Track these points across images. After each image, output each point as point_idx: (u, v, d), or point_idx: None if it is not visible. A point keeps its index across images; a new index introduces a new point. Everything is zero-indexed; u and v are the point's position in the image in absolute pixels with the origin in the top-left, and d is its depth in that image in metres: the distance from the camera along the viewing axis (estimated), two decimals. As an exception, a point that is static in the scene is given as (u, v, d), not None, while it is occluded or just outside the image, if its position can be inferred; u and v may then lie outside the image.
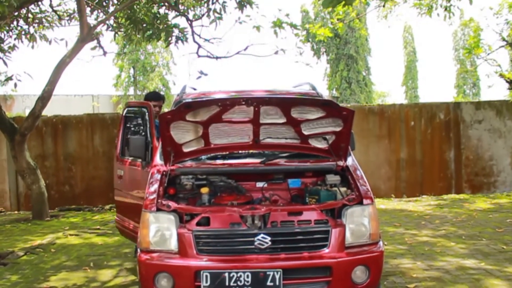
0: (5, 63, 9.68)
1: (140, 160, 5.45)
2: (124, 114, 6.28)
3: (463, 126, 12.24)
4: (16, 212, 11.71)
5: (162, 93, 6.92)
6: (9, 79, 9.94)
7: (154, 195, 4.13)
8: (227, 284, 3.74)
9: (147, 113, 5.71)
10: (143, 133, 5.77)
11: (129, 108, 6.34)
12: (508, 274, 5.53)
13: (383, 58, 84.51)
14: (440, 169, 12.22)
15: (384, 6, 12.90)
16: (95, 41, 10.45)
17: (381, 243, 4.13)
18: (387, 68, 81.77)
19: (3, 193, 11.89)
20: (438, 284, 5.27)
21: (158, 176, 4.40)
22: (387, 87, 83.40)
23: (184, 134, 4.45)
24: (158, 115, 4.96)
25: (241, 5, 9.88)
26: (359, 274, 3.92)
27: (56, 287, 5.58)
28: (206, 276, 3.74)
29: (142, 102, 6.37)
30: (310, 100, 4.64)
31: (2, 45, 9.77)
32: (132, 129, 6.27)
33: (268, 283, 3.74)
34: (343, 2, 4.25)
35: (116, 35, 11.07)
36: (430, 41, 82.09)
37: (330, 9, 12.14)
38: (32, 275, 6.09)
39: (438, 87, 73.37)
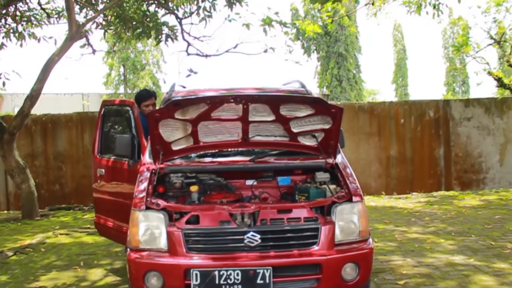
0: (-7, 62, 9.63)
1: (126, 158, 5.41)
2: (102, 113, 6.23)
3: (453, 123, 12.31)
4: (5, 211, 11.65)
5: (152, 90, 6.76)
6: (-3, 77, 9.88)
7: (143, 194, 4.12)
8: (217, 282, 3.74)
9: (130, 111, 5.68)
10: (127, 132, 5.73)
11: (108, 107, 6.29)
12: (497, 270, 5.57)
13: (373, 56, 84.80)
14: (430, 166, 12.29)
15: (373, 4, 12.94)
16: (84, 39, 10.42)
17: (370, 240, 4.14)
18: (377, 66, 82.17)
19: (-8, 193, 11.82)
20: (427, 280, 5.30)
21: (147, 175, 4.38)
22: (377, 85, 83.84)
23: (173, 132, 4.44)
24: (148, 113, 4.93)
25: (230, 3, 9.89)
26: (349, 271, 3.93)
27: (46, 287, 5.55)
28: (196, 274, 3.74)
29: (123, 100, 6.33)
30: (299, 98, 4.65)
31: (-10, 43, 9.71)
32: (113, 128, 6.23)
33: (258, 281, 3.74)
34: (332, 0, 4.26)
35: (106, 33, 11.03)
36: (420, 39, 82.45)
37: (319, 6, 12.18)
38: (22, 275, 6.06)
39: (427, 85, 73.75)
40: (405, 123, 12.26)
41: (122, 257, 6.54)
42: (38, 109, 10.83)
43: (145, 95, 6.07)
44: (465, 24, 14.12)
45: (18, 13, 10.35)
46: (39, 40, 10.64)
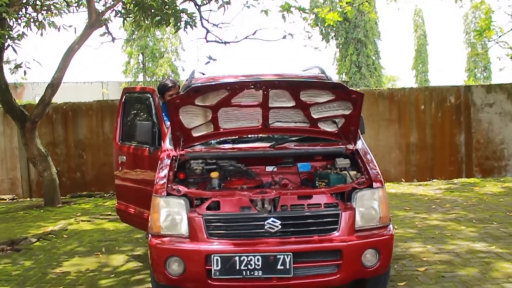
0: (14, 51, 9.70)
1: (146, 145, 5.45)
2: (123, 101, 6.26)
3: (474, 109, 12.16)
4: (28, 199, 11.83)
5: (171, 79, 6.76)
6: (18, 66, 9.97)
7: (164, 180, 4.14)
8: (237, 267, 3.76)
9: (151, 99, 5.70)
10: (147, 119, 5.76)
11: (128, 94, 6.32)
12: (519, 256, 5.52)
13: (393, 42, 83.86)
14: (451, 153, 12.17)
15: (393, -12, 12.79)
16: (104, 27, 10.45)
17: (391, 226, 4.13)
18: (397, 52, 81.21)
19: (15, 180, 12.01)
20: (448, 267, 5.27)
21: (168, 161, 4.40)
22: (397, 71, 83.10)
23: (193, 119, 4.45)
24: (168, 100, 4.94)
25: (249, -11, 9.83)
26: (369, 257, 3.92)
27: (69, 272, 5.64)
28: (217, 260, 3.76)
29: (144, 87, 6.35)
30: (319, 83, 4.62)
31: (11, 32, 9.77)
32: (133, 115, 6.26)
33: (279, 267, 3.75)
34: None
35: (125, 21, 11.05)
36: (441, 24, 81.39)
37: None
38: (45, 260, 6.16)
39: (448, 71, 72.86)
40: (425, 110, 12.14)
41: (143, 243, 6.60)
42: (58, 98, 10.93)
43: (170, 85, 6.01)
44: (488, 8, 13.87)
45: (38, 2, 10.39)
46: (59, 29, 10.69)
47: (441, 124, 12.15)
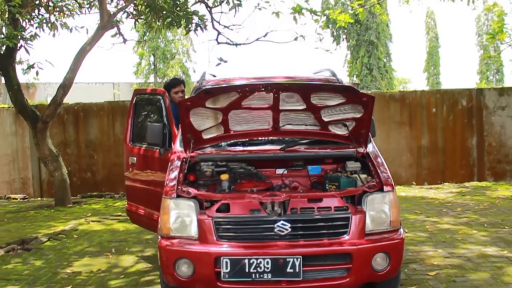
0: (27, 51, 9.78)
1: (157, 147, 5.46)
2: (133, 102, 6.28)
3: (486, 112, 12.07)
4: (39, 198, 11.89)
5: (181, 78, 6.90)
6: (30, 67, 10.03)
7: (174, 182, 4.14)
8: (247, 270, 3.75)
9: (161, 100, 5.72)
10: (158, 120, 5.78)
11: (139, 96, 6.34)
12: (531, 262, 5.47)
13: (404, 44, 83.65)
14: (462, 156, 12.09)
15: (406, -9, 12.73)
16: (115, 28, 10.50)
17: (401, 230, 4.10)
18: (409, 54, 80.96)
19: (26, 180, 12.09)
20: (459, 271, 5.23)
21: (178, 163, 4.41)
22: (408, 73, 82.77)
23: (203, 121, 4.45)
24: (178, 102, 4.95)
25: (260, -9, 9.83)
26: (380, 261, 3.90)
27: (79, 272, 5.66)
28: (226, 262, 3.76)
29: (155, 89, 6.38)
30: (330, 86, 4.61)
31: (23, 33, 9.85)
32: (144, 116, 6.29)
33: (288, 270, 3.74)
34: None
35: (136, 22, 11.10)
36: (453, 27, 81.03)
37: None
38: (56, 260, 6.19)
39: (460, 74, 72.50)
40: (437, 112, 12.08)
41: (153, 245, 6.62)
42: (70, 98, 10.99)
43: (174, 82, 6.20)
44: (501, 10, 13.77)
45: (50, 3, 10.47)
46: (71, 30, 10.75)
47: (453, 127, 12.08)
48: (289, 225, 3.84)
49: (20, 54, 10.30)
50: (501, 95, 12.11)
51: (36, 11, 10.42)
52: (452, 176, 12.03)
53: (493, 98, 12.09)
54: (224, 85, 4.83)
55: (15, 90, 9.99)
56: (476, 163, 12.11)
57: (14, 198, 11.69)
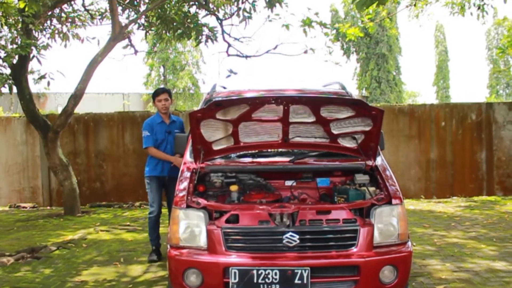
0: (39, 61, 9.89)
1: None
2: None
3: (496, 127, 12.05)
4: (48, 207, 11.95)
5: (163, 86, 7.19)
6: (42, 77, 10.14)
7: (184, 192, 4.19)
8: (255, 281, 3.77)
9: None
10: None
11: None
12: (540, 277, 5.45)
13: (414, 58, 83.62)
14: (471, 170, 12.05)
15: (415, 5, 12.79)
16: (127, 40, 10.60)
17: (409, 243, 4.12)
18: (418, 68, 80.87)
19: (36, 189, 12.16)
20: (467, 286, 5.22)
21: (188, 174, 4.46)
22: (418, 87, 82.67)
23: (214, 132, 4.50)
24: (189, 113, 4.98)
25: (270, 4, 9.92)
26: (387, 274, 3.91)
27: (87, 281, 5.69)
28: (235, 272, 3.78)
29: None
30: (340, 99, 4.64)
31: (36, 43, 9.97)
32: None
33: (296, 281, 3.76)
34: (376, 2, 4.23)
35: (147, 34, 11.21)
36: (463, 41, 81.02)
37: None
38: (65, 269, 6.22)
39: (470, 88, 72.33)
40: (446, 126, 12.06)
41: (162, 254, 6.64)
42: (80, 108, 11.08)
43: (158, 91, 6.59)
44: (511, 24, 13.79)
45: (63, 14, 10.61)
46: (82, 41, 10.88)
47: (462, 141, 12.05)
48: (297, 236, 3.87)
49: (32, 65, 10.43)
50: (510, 109, 12.08)
51: (49, 21, 10.56)
52: (461, 190, 11.99)
53: (502, 112, 12.07)
54: (234, 98, 4.87)
55: (27, 99, 10.09)
56: (485, 177, 12.07)
57: (23, 207, 11.76)
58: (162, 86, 7.84)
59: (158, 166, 6.45)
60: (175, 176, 5.54)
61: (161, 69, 34.79)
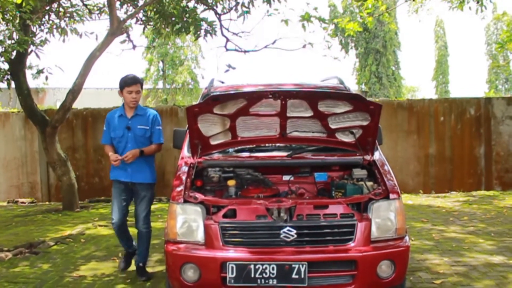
0: (37, 56, 9.87)
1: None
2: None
3: (494, 121, 12.05)
4: (47, 202, 11.96)
5: (134, 74, 5.57)
6: (40, 72, 10.13)
7: (182, 187, 4.18)
8: (252, 276, 3.77)
9: None
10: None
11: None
12: (538, 272, 5.45)
13: (413, 53, 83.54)
14: (470, 165, 12.06)
15: (414, 0, 12.75)
16: (125, 34, 10.57)
17: (407, 238, 4.11)
18: (417, 63, 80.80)
19: (35, 184, 12.16)
20: (465, 280, 5.22)
21: (186, 168, 4.45)
22: (417, 82, 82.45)
23: (211, 127, 4.49)
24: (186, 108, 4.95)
25: (269, -1, 9.88)
26: (385, 268, 3.91)
27: (85, 276, 5.69)
28: (232, 267, 3.78)
29: None
30: (337, 94, 4.64)
31: (34, 38, 9.95)
32: None
33: (293, 276, 3.76)
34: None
35: (145, 28, 11.18)
36: (462, 36, 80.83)
37: (359, 3, 12.05)
38: (63, 264, 6.22)
39: (469, 83, 72.32)
40: (444, 121, 12.06)
41: (159, 249, 6.63)
42: (79, 103, 11.06)
43: (131, 81, 5.37)
44: (510, 19, 13.77)
45: (61, 9, 10.57)
46: (81, 36, 10.83)
47: (461, 136, 12.06)
48: (295, 231, 3.86)
49: (30, 60, 10.41)
50: (509, 104, 12.08)
51: (47, 16, 10.52)
52: (459, 185, 12.00)
53: (501, 107, 12.07)
54: (232, 92, 4.87)
55: (25, 94, 10.07)
56: (483, 172, 12.08)
57: (22, 202, 11.76)
58: (131, 74, 5.51)
59: (122, 168, 5.37)
60: (144, 184, 5.42)
61: (160, 64, 34.80)
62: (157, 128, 5.49)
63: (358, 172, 4.47)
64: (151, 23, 10.86)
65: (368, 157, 4.56)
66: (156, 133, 5.48)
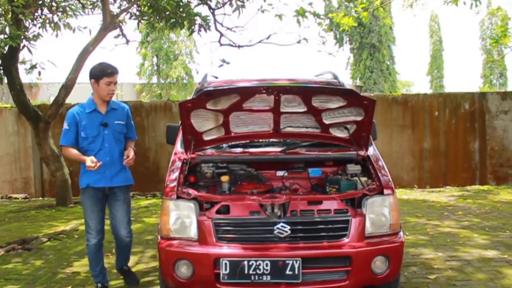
0: (30, 51, 9.80)
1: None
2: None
3: (489, 116, 12.07)
4: (40, 198, 11.91)
5: (111, 64, 4.84)
6: (33, 67, 10.07)
7: (175, 183, 4.15)
8: (246, 272, 3.75)
9: None
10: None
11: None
12: (532, 266, 5.46)
13: (408, 47, 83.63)
14: (464, 160, 12.08)
15: (409, -6, 12.73)
16: (118, 29, 10.51)
17: (401, 233, 4.10)
18: (412, 58, 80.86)
19: (28, 180, 12.11)
20: (459, 275, 5.22)
21: (179, 164, 4.41)
22: (412, 76, 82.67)
23: (204, 122, 4.45)
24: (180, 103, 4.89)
25: (263, -6, 9.83)
26: (379, 264, 3.89)
27: (78, 272, 5.67)
28: (226, 264, 3.76)
29: None
30: (331, 89, 4.60)
31: (26, 33, 9.87)
32: None
33: (287, 272, 3.74)
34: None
35: (139, 23, 11.11)
36: (457, 31, 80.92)
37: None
38: (56, 260, 6.19)
39: (464, 77, 72.50)
40: (439, 116, 12.07)
41: (153, 245, 6.62)
42: (72, 99, 10.97)
43: (112, 71, 4.74)
44: (505, 14, 13.74)
45: (54, 3, 10.48)
46: (74, 30, 10.76)
47: (455, 130, 12.07)
48: (288, 227, 3.83)
49: (23, 54, 10.34)
50: (504, 99, 12.10)
51: (40, 11, 10.44)
52: (454, 179, 12.02)
53: (496, 102, 12.08)
54: (225, 87, 4.83)
55: (17, 90, 10.00)
56: (478, 166, 12.10)
57: (15, 198, 11.72)
58: (107, 63, 4.78)
59: (99, 172, 4.66)
60: (123, 186, 4.81)
61: (154, 59, 34.70)
62: (131, 122, 4.98)
63: (352, 168, 4.45)
64: (145, 18, 10.79)
65: (362, 153, 4.54)
66: (132, 128, 4.97)
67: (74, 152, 4.70)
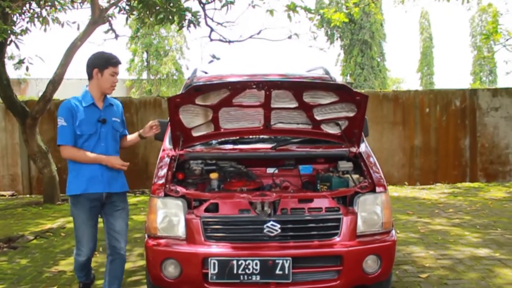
0: (17, 47, 9.66)
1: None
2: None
3: (479, 113, 12.06)
4: (28, 195, 11.76)
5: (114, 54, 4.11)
6: (21, 62, 9.94)
7: (162, 180, 4.05)
8: (235, 271, 3.66)
9: None
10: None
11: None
12: (524, 264, 5.42)
13: (398, 44, 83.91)
14: (455, 157, 12.07)
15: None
16: (107, 24, 10.38)
17: (393, 232, 4.03)
18: (403, 54, 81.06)
19: (16, 177, 11.96)
20: (451, 273, 5.17)
21: (167, 161, 4.32)
22: (402, 73, 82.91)
23: (193, 118, 4.36)
24: (168, 98, 4.75)
25: (254, -11, 9.74)
26: (371, 263, 3.82)
27: (65, 271, 5.57)
28: (214, 263, 3.67)
29: None
30: (323, 84, 4.51)
31: (14, 28, 9.72)
32: None
33: (277, 272, 3.66)
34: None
35: (129, 18, 10.98)
36: (447, 28, 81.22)
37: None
38: (42, 259, 6.08)
39: (454, 74, 72.80)
40: (430, 113, 12.05)
41: (141, 244, 6.51)
42: (61, 94, 10.83)
43: (112, 61, 4.12)
44: (495, 10, 13.75)
45: (42, -3, 10.35)
46: (62, 25, 10.63)
47: (446, 127, 12.06)
48: (279, 226, 3.75)
49: (11, 49, 10.20)
50: (494, 96, 12.10)
51: (27, 5, 10.29)
52: (444, 176, 12.01)
53: (486, 99, 12.07)
54: (214, 82, 4.73)
55: (4, 85, 9.85)
56: (468, 164, 12.09)
57: (2, 195, 11.58)
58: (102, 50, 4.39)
59: (94, 176, 4.07)
60: (121, 193, 4.23)
61: (144, 55, 34.52)
62: (124, 119, 4.45)
63: (344, 165, 4.36)
64: (134, 13, 10.66)
65: (354, 149, 4.46)
66: (124, 124, 4.44)
67: (81, 152, 4.04)
